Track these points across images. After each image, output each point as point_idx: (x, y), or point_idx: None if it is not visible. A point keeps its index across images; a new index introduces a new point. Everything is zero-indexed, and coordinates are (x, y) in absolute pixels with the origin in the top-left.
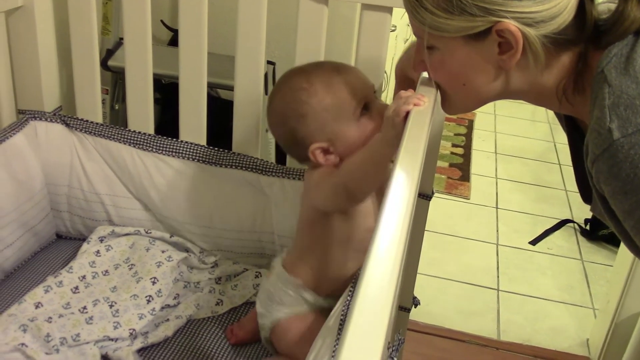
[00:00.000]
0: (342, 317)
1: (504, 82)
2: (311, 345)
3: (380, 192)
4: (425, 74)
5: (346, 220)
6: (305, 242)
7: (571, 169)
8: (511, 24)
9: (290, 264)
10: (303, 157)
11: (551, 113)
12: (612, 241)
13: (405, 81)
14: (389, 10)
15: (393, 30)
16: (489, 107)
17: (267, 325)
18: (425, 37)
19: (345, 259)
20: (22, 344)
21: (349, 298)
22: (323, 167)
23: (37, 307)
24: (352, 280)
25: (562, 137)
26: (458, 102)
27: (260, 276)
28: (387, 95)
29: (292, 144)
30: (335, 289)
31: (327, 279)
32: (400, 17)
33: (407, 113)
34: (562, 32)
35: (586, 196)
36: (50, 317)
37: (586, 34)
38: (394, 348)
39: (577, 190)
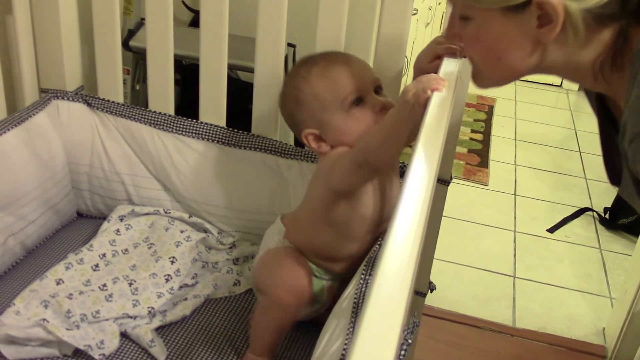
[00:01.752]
0: (355, 300)
1: (540, 57)
2: (279, 272)
3: (381, 183)
4: (447, 60)
5: (348, 207)
6: (306, 214)
7: (592, 157)
8: None
9: (287, 220)
10: (301, 140)
11: (573, 100)
12: (631, 230)
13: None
14: None
15: (414, 14)
16: (509, 93)
17: (254, 265)
18: (458, 8)
19: (336, 242)
20: (44, 319)
21: (361, 281)
22: (335, 150)
23: (58, 283)
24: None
25: (583, 125)
26: (491, 76)
27: None
28: (405, 80)
29: (292, 127)
30: (315, 260)
31: (311, 249)
32: (422, 1)
33: (427, 99)
34: (604, 7)
35: (614, 178)
36: (70, 294)
37: (629, 9)
38: (409, 331)
39: (597, 179)
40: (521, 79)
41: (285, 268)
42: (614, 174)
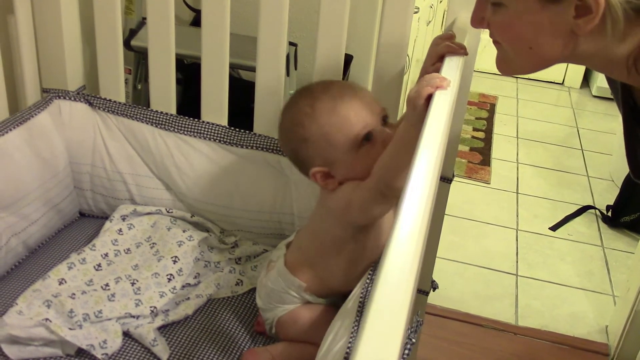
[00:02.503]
0: (360, 299)
1: (573, 48)
2: (320, 331)
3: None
4: (449, 58)
5: (360, 240)
6: (314, 250)
7: (594, 155)
8: None
9: (295, 265)
10: (307, 176)
11: (575, 98)
12: (634, 228)
13: None
14: None
15: (416, 12)
16: (511, 91)
17: (270, 320)
18: None
19: (352, 274)
20: (46, 319)
21: (367, 281)
22: (345, 185)
23: (60, 283)
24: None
25: (585, 123)
26: (520, 64)
27: None
28: (408, 79)
29: (296, 162)
30: (339, 294)
31: (331, 288)
32: None
33: (430, 95)
34: None
35: (637, 170)
36: (73, 294)
37: None
38: (412, 330)
39: (599, 176)
40: (523, 76)
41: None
42: (638, 168)
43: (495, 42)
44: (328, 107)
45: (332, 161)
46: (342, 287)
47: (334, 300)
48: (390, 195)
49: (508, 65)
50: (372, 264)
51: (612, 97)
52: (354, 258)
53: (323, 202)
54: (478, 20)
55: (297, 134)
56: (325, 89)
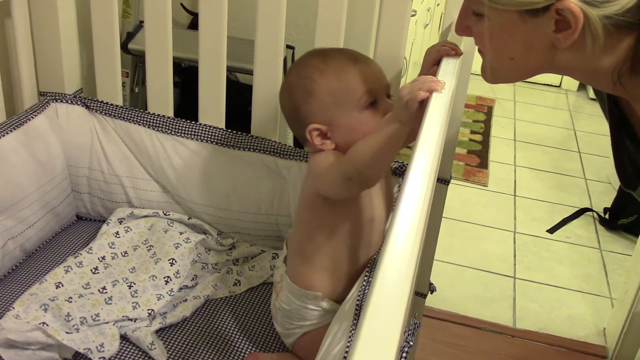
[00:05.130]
0: (358, 302)
1: (554, 60)
2: None
3: (385, 181)
4: (446, 59)
5: (349, 213)
6: (310, 244)
7: (591, 157)
8: (573, 3)
9: (300, 276)
10: (302, 136)
11: (572, 100)
12: (631, 230)
13: None
14: None
15: (413, 15)
16: (508, 93)
17: (291, 341)
18: (471, 4)
19: (355, 254)
20: (43, 323)
21: (364, 283)
22: (326, 152)
23: (57, 286)
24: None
25: (582, 125)
26: (502, 74)
27: (277, 257)
28: (405, 81)
29: (295, 120)
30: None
31: (342, 279)
32: (421, 2)
33: (423, 100)
34: (625, 14)
35: (627, 182)
36: (70, 297)
37: None
38: (410, 332)
39: (597, 179)
40: None
41: None
42: (626, 177)
43: (479, 51)
44: (341, 65)
45: (333, 120)
46: (351, 276)
47: None
48: (357, 181)
49: (491, 74)
50: (376, 245)
51: None
52: (347, 239)
53: (306, 176)
54: (462, 28)
55: (304, 87)
56: (341, 50)
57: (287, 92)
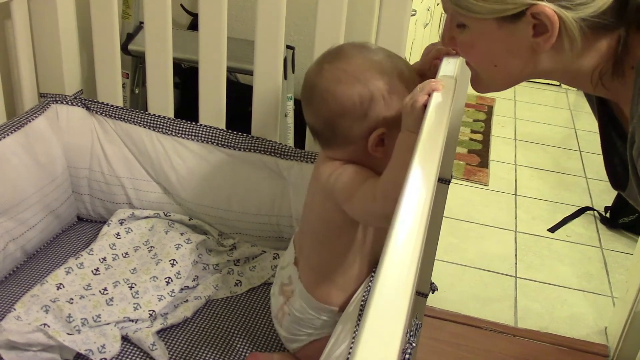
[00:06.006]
0: (362, 304)
1: (537, 64)
2: None
3: None
4: (446, 59)
5: (356, 225)
6: (322, 257)
7: (592, 156)
8: (547, 7)
9: (318, 290)
10: (345, 141)
11: (572, 99)
12: (632, 229)
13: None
14: None
15: (413, 15)
16: (508, 93)
17: (295, 347)
18: (454, 16)
19: (364, 265)
20: (44, 324)
21: (369, 285)
22: (350, 168)
23: (58, 288)
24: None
25: (583, 124)
26: (489, 82)
27: (278, 257)
28: None
29: (349, 120)
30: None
31: (355, 292)
32: (421, 2)
33: (425, 103)
34: (601, 16)
35: (616, 182)
36: (71, 298)
37: (628, 18)
38: (411, 333)
39: (597, 178)
40: None
41: None
42: (616, 177)
43: (467, 62)
44: (399, 68)
45: (392, 121)
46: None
47: None
48: (384, 211)
49: (480, 84)
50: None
51: None
52: (373, 258)
53: (318, 179)
54: (448, 40)
55: (355, 89)
56: (381, 48)
57: (327, 98)
